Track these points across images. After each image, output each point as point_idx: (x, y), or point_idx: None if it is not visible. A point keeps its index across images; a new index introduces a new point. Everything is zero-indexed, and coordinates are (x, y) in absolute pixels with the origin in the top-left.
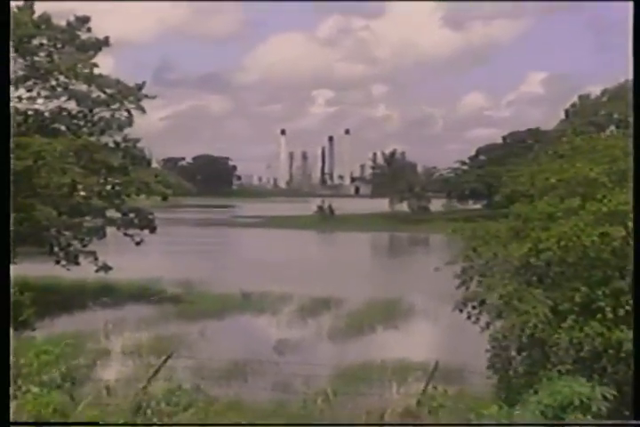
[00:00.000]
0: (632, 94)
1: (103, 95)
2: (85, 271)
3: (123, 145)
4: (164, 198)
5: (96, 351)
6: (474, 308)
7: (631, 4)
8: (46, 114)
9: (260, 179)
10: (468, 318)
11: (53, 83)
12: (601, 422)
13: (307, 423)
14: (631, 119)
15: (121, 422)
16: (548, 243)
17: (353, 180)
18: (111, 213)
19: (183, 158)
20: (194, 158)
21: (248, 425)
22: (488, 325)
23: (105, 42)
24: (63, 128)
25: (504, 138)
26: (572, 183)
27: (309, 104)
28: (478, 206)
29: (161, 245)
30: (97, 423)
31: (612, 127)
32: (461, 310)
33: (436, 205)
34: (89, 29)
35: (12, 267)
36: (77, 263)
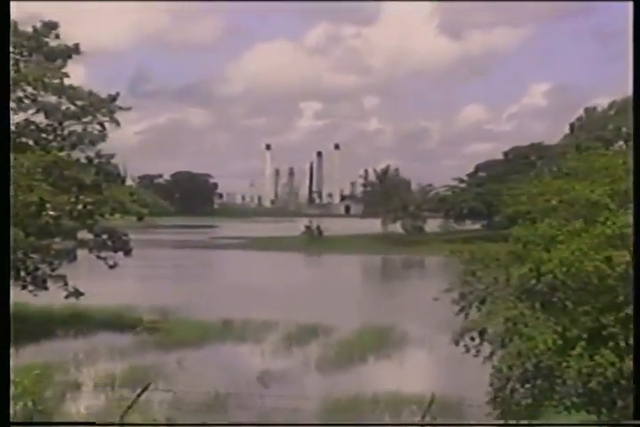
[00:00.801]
0: (632, 96)
1: (74, 107)
2: (54, 297)
3: (95, 161)
4: (140, 218)
5: (65, 384)
6: (472, 339)
7: (631, 5)
8: (12, 127)
9: (243, 197)
10: (467, 351)
11: (20, 94)
12: (601, 423)
13: (307, 423)
14: None
15: None
16: (550, 265)
17: (343, 198)
18: (83, 234)
19: (161, 175)
20: (172, 175)
21: (248, 425)
22: (491, 354)
23: (75, 49)
24: (31, 143)
25: (505, 153)
26: (574, 205)
27: (296, 117)
28: (477, 227)
29: (136, 269)
30: (96, 424)
31: (621, 142)
32: (458, 343)
33: (432, 225)
34: (57, 36)
35: None
36: (46, 288)
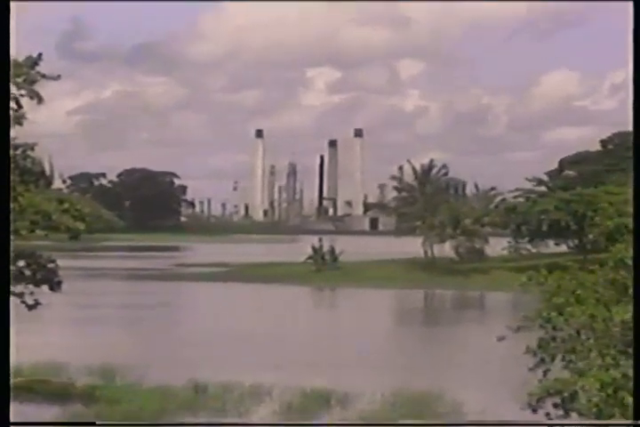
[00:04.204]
0: (633, 96)
1: None
2: None
3: None
4: (74, 237)
5: None
6: (556, 406)
7: (631, 4)
8: None
9: (223, 206)
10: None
11: None
12: (601, 423)
13: (307, 424)
14: None
15: None
16: None
17: (367, 207)
18: None
19: (103, 175)
20: (121, 174)
21: (248, 425)
22: None
23: None
24: None
25: (604, 142)
26: None
27: (302, 90)
28: (563, 249)
29: (68, 310)
30: (96, 423)
31: None
32: (536, 410)
33: (497, 246)
34: None
35: None
36: None
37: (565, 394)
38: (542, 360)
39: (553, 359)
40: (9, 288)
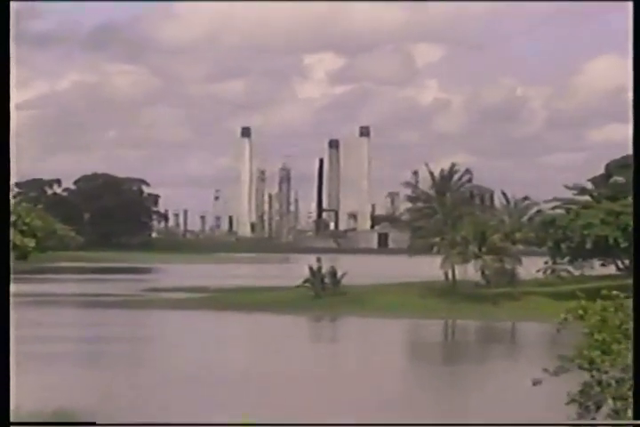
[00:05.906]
0: (633, 96)
1: None
2: None
3: None
4: (23, 256)
5: None
6: None
7: (631, 4)
8: None
9: (202, 219)
10: None
11: None
12: (601, 422)
13: (308, 423)
14: None
15: None
16: None
17: (375, 221)
18: None
19: (58, 181)
20: (78, 181)
21: (247, 425)
22: None
23: None
24: None
25: None
26: None
27: (298, 79)
28: (612, 270)
29: (15, 344)
30: (96, 423)
31: None
32: None
33: (531, 267)
34: None
35: None
36: None
37: None
38: (586, 409)
39: (598, 408)
40: (9, 287)
